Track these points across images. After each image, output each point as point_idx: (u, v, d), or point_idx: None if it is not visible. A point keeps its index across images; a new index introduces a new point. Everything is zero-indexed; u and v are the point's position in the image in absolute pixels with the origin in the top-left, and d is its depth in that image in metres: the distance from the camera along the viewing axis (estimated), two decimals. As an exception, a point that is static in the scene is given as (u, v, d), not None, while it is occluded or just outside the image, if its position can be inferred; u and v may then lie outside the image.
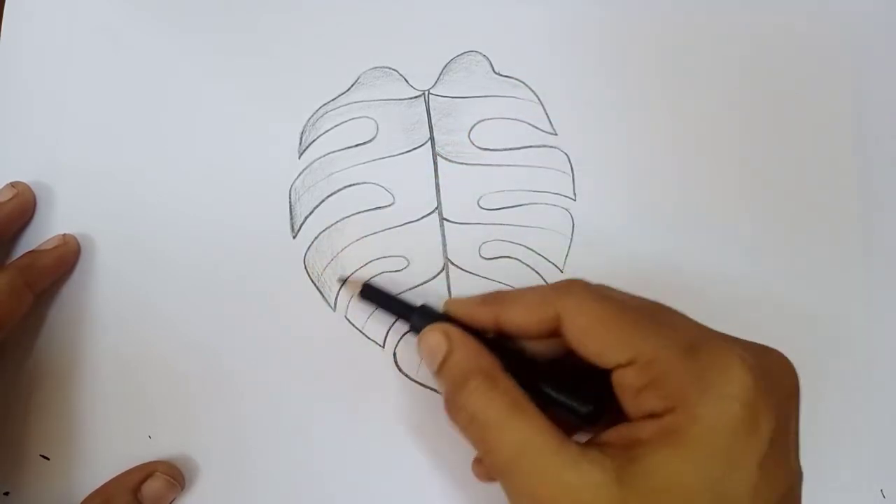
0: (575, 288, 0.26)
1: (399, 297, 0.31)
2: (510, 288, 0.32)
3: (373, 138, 0.35)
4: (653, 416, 0.23)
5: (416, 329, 0.29)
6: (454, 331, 0.28)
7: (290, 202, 0.35)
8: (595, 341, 0.25)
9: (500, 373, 0.26)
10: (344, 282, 0.33)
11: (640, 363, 0.24)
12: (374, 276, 0.34)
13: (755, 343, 0.25)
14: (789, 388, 0.25)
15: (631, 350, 0.24)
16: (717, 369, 0.23)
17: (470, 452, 0.33)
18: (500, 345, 0.28)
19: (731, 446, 0.22)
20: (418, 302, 0.30)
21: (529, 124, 0.35)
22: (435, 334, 0.28)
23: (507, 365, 0.27)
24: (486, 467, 0.29)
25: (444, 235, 0.34)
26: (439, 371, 0.27)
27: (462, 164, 0.35)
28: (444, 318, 0.29)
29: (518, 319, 0.27)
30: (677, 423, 0.23)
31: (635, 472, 0.22)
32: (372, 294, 0.31)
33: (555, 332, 0.26)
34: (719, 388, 0.23)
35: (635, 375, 0.24)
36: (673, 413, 0.23)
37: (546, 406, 0.25)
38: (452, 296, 0.34)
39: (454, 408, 0.26)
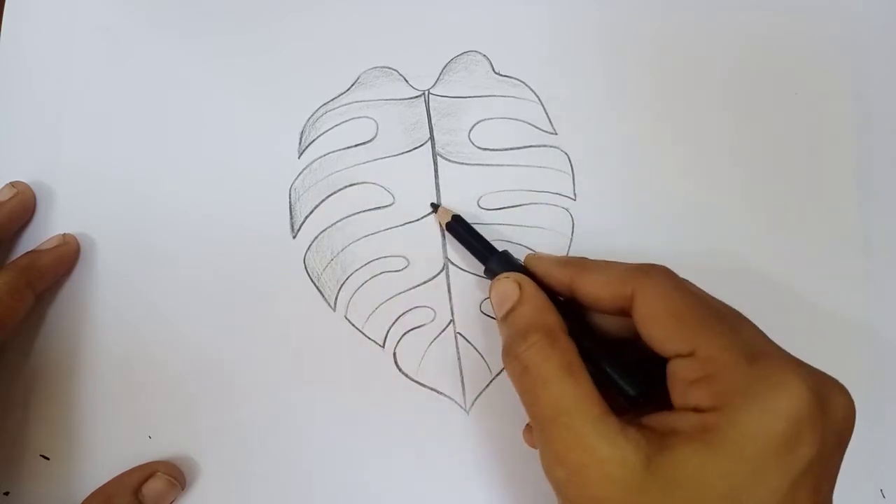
0: (655, 272, 0.26)
1: (483, 238, 0.32)
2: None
3: (373, 138, 0.35)
4: (696, 410, 0.23)
5: (491, 272, 0.31)
6: (528, 283, 0.29)
7: (290, 202, 0.35)
8: (661, 327, 0.25)
9: (562, 333, 0.26)
10: (436, 209, 0.34)
11: (699, 357, 0.24)
12: (375, 275, 0.34)
13: (822, 371, 0.25)
14: (842, 426, 0.24)
15: (693, 342, 0.24)
16: (772, 382, 0.23)
17: (470, 451, 0.33)
18: (570, 310, 0.29)
19: (763, 459, 0.22)
20: (501, 247, 0.32)
21: (529, 124, 0.35)
22: (509, 282, 0.29)
23: (570, 330, 0.27)
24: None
25: (444, 235, 0.34)
26: (504, 318, 0.28)
27: (462, 163, 0.35)
28: (522, 269, 0.30)
29: (593, 289, 0.27)
30: (717, 423, 0.22)
31: (663, 460, 0.23)
32: (458, 228, 0.33)
33: (624, 311, 0.26)
34: (769, 400, 0.22)
35: (690, 368, 0.24)
36: (715, 412, 0.23)
37: (599, 380, 0.26)
38: (453, 296, 0.34)
39: (510, 356, 0.27)
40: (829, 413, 0.23)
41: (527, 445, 0.32)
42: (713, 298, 0.27)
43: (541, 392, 0.25)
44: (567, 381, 0.25)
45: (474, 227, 0.33)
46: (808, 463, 0.22)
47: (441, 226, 0.34)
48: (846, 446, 0.24)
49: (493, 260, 0.31)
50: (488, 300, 0.33)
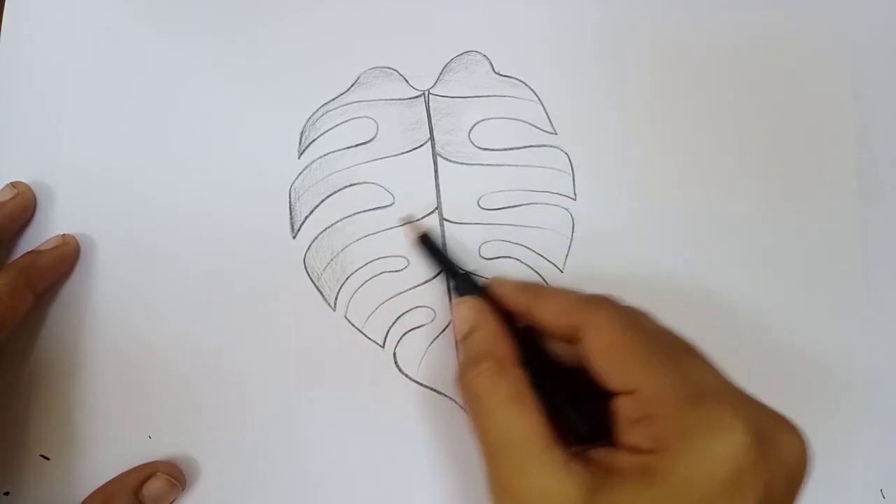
0: (604, 306, 0.26)
1: (450, 258, 0.33)
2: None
3: (373, 138, 0.35)
4: (636, 450, 0.23)
5: (458, 292, 0.31)
6: (484, 309, 0.29)
7: (290, 202, 0.35)
8: (605, 363, 0.25)
9: (512, 362, 0.26)
10: (408, 223, 0.34)
11: (640, 396, 0.23)
12: (375, 275, 0.34)
13: (771, 410, 0.24)
14: (793, 468, 0.23)
15: (635, 381, 0.24)
16: (713, 425, 0.22)
17: (470, 451, 0.33)
18: (529, 338, 0.28)
19: None
20: (466, 268, 0.32)
21: (529, 124, 0.35)
22: (465, 307, 0.29)
23: (526, 358, 0.27)
24: None
25: (444, 235, 0.34)
26: (460, 342, 0.29)
27: (462, 163, 0.35)
28: (483, 291, 0.30)
29: (546, 317, 0.27)
30: (655, 466, 0.22)
31: (602, 499, 0.22)
32: (426, 246, 0.33)
33: (576, 341, 0.26)
34: (709, 444, 0.22)
35: (632, 406, 0.24)
36: (654, 454, 0.22)
37: (551, 410, 0.25)
38: (452, 296, 0.34)
39: (462, 382, 0.27)
40: (776, 456, 0.23)
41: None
42: (666, 333, 0.26)
43: (488, 420, 0.25)
44: (514, 410, 0.25)
45: (447, 242, 0.33)
46: None
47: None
48: (799, 489, 0.24)
49: (457, 280, 0.31)
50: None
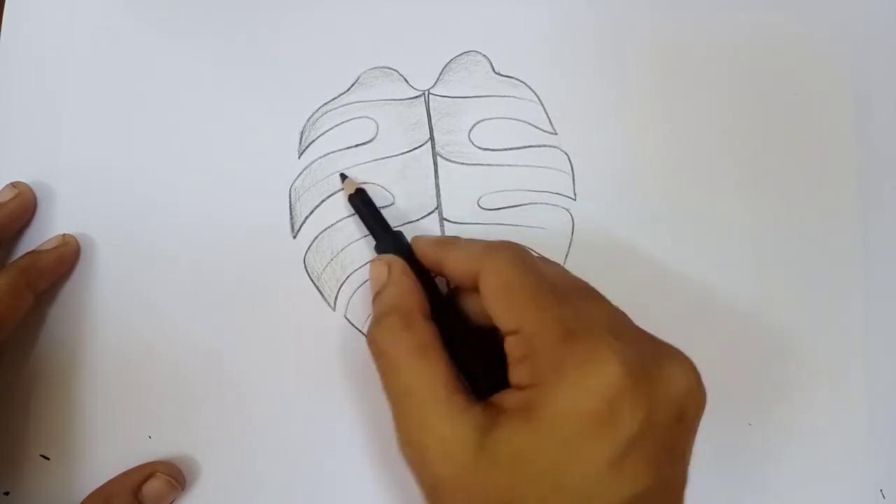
0: (501, 249, 0.26)
1: (381, 216, 0.32)
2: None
3: (373, 138, 0.35)
4: (520, 387, 0.24)
5: (379, 251, 0.31)
6: (397, 266, 0.29)
7: (290, 202, 0.35)
8: (497, 304, 0.25)
9: (419, 315, 0.27)
10: (344, 178, 0.34)
11: (523, 335, 0.24)
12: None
13: (656, 340, 0.25)
14: (681, 399, 0.23)
15: (519, 320, 0.24)
16: (584, 358, 0.23)
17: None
18: (450, 301, 0.29)
19: (579, 437, 0.22)
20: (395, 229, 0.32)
21: (529, 124, 0.35)
22: (380, 264, 0.29)
23: (438, 316, 0.27)
24: None
25: (443, 234, 0.34)
26: (373, 301, 0.29)
27: (462, 164, 0.35)
28: (407, 250, 0.30)
29: (453, 265, 0.28)
30: (534, 400, 0.23)
31: (492, 439, 0.23)
32: (359, 202, 0.33)
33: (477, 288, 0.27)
34: (580, 377, 0.22)
35: (517, 345, 0.24)
36: (533, 389, 0.23)
37: (463, 368, 0.26)
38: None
39: (369, 339, 0.27)
40: (658, 388, 0.23)
41: None
42: (564, 276, 0.26)
43: (392, 374, 0.26)
44: (417, 361, 0.25)
45: (381, 209, 0.33)
46: (629, 439, 0.22)
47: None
48: (692, 423, 0.24)
49: (382, 239, 0.31)
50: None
